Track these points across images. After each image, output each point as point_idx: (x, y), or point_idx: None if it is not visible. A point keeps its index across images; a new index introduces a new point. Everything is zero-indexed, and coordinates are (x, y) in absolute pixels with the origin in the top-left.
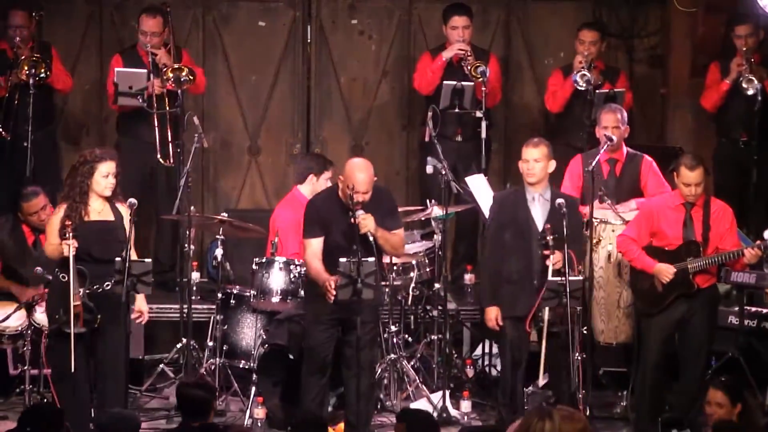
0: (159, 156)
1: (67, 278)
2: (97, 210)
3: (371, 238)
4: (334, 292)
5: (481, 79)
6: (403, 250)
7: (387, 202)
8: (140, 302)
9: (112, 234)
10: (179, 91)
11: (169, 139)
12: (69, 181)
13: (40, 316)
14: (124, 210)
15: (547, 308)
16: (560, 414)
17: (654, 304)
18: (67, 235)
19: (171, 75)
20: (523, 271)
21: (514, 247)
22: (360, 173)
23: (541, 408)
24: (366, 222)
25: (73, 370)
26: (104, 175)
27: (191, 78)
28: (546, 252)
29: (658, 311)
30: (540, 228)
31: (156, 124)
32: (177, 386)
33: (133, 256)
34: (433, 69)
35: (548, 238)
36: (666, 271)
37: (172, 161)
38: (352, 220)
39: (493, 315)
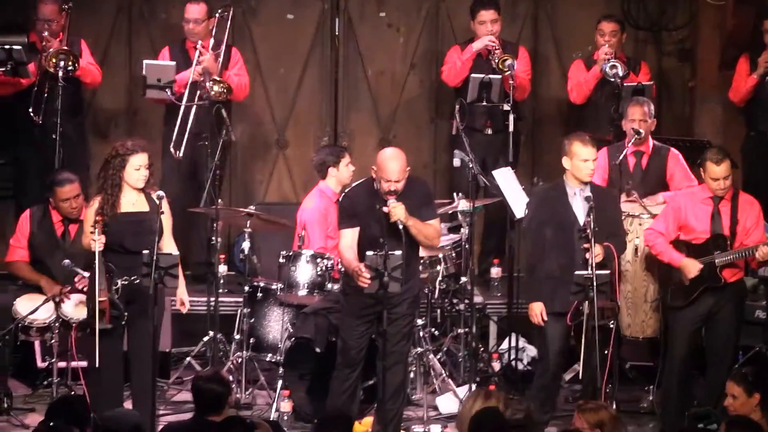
0: (171, 147)
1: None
2: (131, 201)
3: (401, 227)
4: (366, 276)
5: (508, 72)
6: (438, 242)
7: (422, 192)
8: (182, 292)
9: (144, 226)
10: (211, 94)
11: (194, 133)
12: (102, 174)
13: (68, 308)
14: (163, 202)
15: (587, 303)
16: (585, 407)
17: (681, 297)
18: (95, 231)
19: (210, 84)
20: (566, 267)
21: (555, 242)
22: (391, 162)
23: (480, 390)
24: (396, 210)
25: (97, 365)
26: (136, 168)
27: (226, 94)
28: (586, 246)
29: (685, 305)
30: (581, 223)
31: (181, 117)
32: (192, 380)
33: (172, 248)
34: (462, 60)
35: (588, 232)
36: (692, 267)
37: (180, 154)
38: (384, 208)
39: (538, 310)
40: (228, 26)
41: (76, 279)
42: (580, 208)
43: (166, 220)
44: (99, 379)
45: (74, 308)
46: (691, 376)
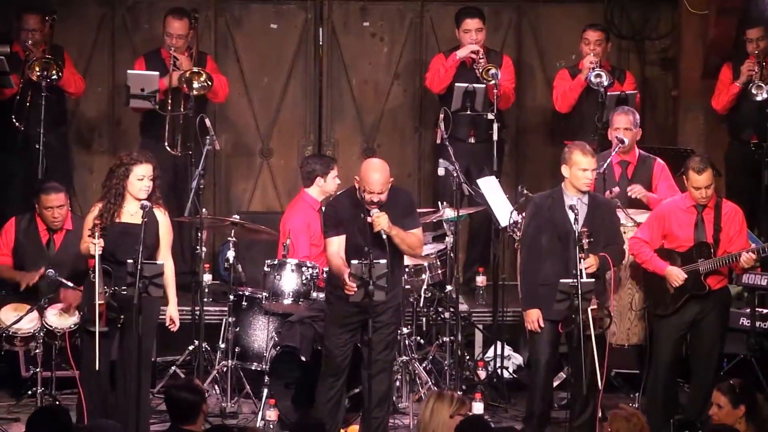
0: (167, 146)
1: (94, 277)
2: (130, 212)
3: (384, 237)
4: (352, 285)
5: (492, 82)
6: (421, 251)
7: (405, 201)
8: (171, 309)
9: (137, 238)
10: (192, 95)
11: (179, 141)
12: (106, 183)
13: (53, 318)
14: (161, 214)
15: (588, 311)
16: (618, 414)
17: (666, 305)
18: (95, 235)
19: (187, 77)
20: (560, 274)
21: (551, 249)
22: (375, 173)
23: (432, 392)
24: (379, 220)
25: (97, 368)
26: (139, 178)
27: (208, 84)
28: (580, 255)
29: (670, 313)
30: (577, 232)
31: (168, 125)
32: (165, 389)
33: (166, 259)
34: (446, 67)
35: (584, 241)
36: (677, 275)
37: (182, 152)
38: (367, 218)
39: (534, 317)
40: (195, 31)
41: (61, 295)
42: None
43: (165, 232)
44: (97, 384)
45: (58, 318)
46: (676, 384)
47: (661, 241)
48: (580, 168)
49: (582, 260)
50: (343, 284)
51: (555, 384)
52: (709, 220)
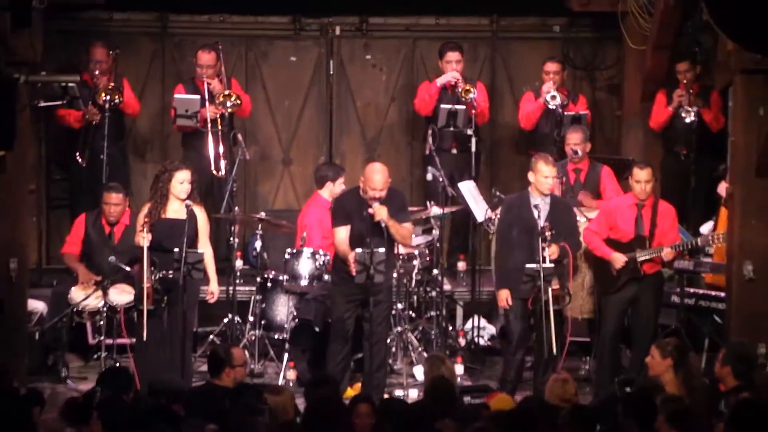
0: (213, 169)
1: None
2: (175, 210)
3: (383, 225)
4: (354, 268)
5: (471, 98)
6: (411, 241)
7: (399, 200)
8: (213, 285)
9: (182, 231)
10: (227, 113)
11: (221, 154)
12: (153, 186)
13: (114, 295)
14: (199, 211)
15: (549, 290)
16: (556, 378)
17: (610, 285)
18: (144, 229)
19: (222, 99)
20: (527, 261)
21: (520, 241)
22: (377, 174)
23: (434, 356)
24: (380, 212)
25: (144, 339)
26: (180, 181)
27: (238, 103)
28: (544, 245)
29: (613, 291)
30: (541, 226)
31: (210, 142)
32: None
33: (205, 247)
34: (429, 93)
35: (547, 234)
36: (618, 260)
37: (223, 173)
38: (369, 210)
39: (504, 296)
40: (221, 57)
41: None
42: (540, 214)
43: (203, 225)
44: (144, 352)
45: (118, 295)
46: (619, 350)
47: (608, 233)
48: (543, 175)
49: (546, 249)
50: (348, 266)
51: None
52: (647, 217)
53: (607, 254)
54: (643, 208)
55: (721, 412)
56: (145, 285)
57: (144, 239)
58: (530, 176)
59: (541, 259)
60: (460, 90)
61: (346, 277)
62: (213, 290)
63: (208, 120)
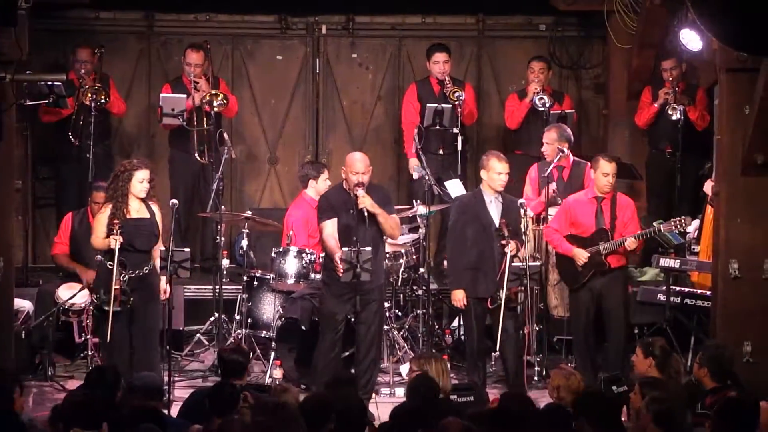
0: (196, 154)
1: (112, 266)
2: (135, 209)
3: (366, 213)
4: (341, 267)
5: (458, 102)
6: (399, 233)
7: (383, 194)
8: (162, 282)
9: (149, 229)
10: (213, 112)
11: (207, 147)
12: (112, 186)
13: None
14: (156, 208)
15: (504, 289)
16: (559, 373)
17: (575, 281)
18: (115, 231)
19: (208, 98)
20: (485, 260)
21: (475, 240)
22: (357, 159)
23: (422, 355)
24: (364, 199)
25: (108, 340)
26: (140, 180)
27: (225, 102)
28: (503, 242)
29: (579, 286)
30: (497, 224)
31: (195, 138)
32: (217, 351)
33: (163, 243)
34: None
35: (504, 231)
36: (581, 255)
37: (208, 160)
38: (354, 197)
39: (460, 296)
40: (209, 56)
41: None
42: (495, 212)
43: (160, 222)
44: (111, 353)
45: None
46: (592, 345)
47: (569, 229)
48: (495, 172)
49: (507, 246)
50: (335, 265)
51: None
52: (607, 210)
53: (569, 251)
54: (602, 201)
55: (703, 413)
56: (114, 287)
57: (116, 241)
58: (482, 174)
59: (525, 256)
60: (447, 92)
61: (336, 276)
62: (164, 287)
63: (194, 117)
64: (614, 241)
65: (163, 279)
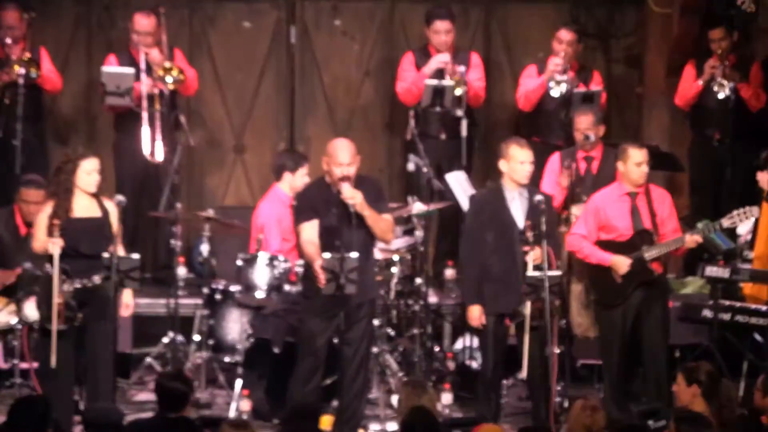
0: (149, 155)
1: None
2: (85, 206)
3: (353, 211)
4: (322, 278)
5: (462, 86)
6: (392, 236)
7: (374, 188)
8: (127, 296)
9: (100, 230)
10: (168, 91)
11: (159, 138)
12: (54, 179)
13: (30, 311)
14: (111, 206)
15: (528, 303)
16: (584, 405)
17: (619, 295)
18: (54, 234)
19: (161, 74)
20: (507, 269)
21: (496, 245)
22: (341, 144)
23: (415, 381)
24: (349, 191)
25: (53, 365)
26: (88, 172)
27: (181, 78)
28: (526, 248)
29: (620, 302)
30: (521, 226)
31: (146, 123)
32: (156, 379)
33: (120, 252)
34: (416, 83)
35: (528, 234)
36: (622, 263)
37: (161, 160)
38: (337, 192)
39: (477, 314)
40: (163, 23)
41: None
42: (519, 211)
43: (117, 222)
44: (53, 380)
45: (36, 310)
46: (630, 372)
47: (598, 234)
48: (518, 161)
49: (528, 253)
50: (315, 275)
51: (521, 377)
52: (644, 207)
53: (606, 260)
54: (636, 197)
55: None
56: (56, 301)
57: (55, 246)
58: (502, 165)
59: (545, 265)
60: (449, 76)
61: (317, 287)
62: (128, 302)
63: (144, 97)
64: (663, 243)
65: (128, 291)
